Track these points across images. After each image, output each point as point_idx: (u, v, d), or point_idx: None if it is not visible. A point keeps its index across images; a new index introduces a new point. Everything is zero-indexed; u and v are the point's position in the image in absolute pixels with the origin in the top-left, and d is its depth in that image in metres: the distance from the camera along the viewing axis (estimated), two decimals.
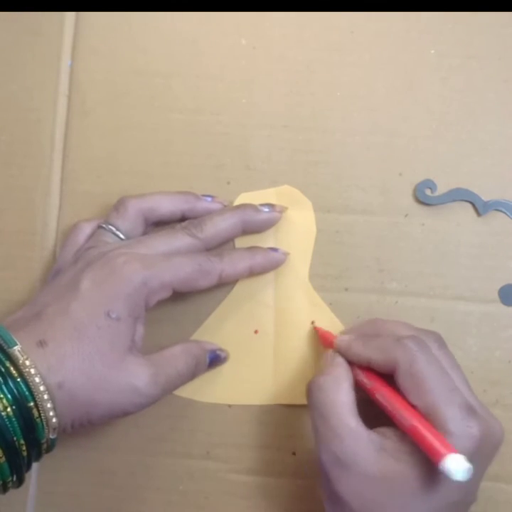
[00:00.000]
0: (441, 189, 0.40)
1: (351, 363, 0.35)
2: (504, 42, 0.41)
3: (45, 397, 0.30)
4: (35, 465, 0.39)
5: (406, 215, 0.40)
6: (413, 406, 0.32)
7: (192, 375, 0.37)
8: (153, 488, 0.40)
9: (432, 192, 0.40)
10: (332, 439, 0.32)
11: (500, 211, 0.40)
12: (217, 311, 0.40)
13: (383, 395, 0.33)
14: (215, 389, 0.40)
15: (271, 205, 0.39)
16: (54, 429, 0.31)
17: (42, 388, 0.30)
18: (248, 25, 0.42)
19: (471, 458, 0.29)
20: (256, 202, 0.39)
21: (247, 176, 0.41)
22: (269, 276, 0.40)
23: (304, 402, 0.35)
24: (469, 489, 0.32)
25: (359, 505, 0.32)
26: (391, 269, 0.40)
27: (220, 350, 0.39)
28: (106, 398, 0.32)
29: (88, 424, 0.33)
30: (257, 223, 0.39)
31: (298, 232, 0.40)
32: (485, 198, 0.40)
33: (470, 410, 0.31)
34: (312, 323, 0.40)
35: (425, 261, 0.40)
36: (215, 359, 0.39)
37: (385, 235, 0.40)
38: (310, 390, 0.34)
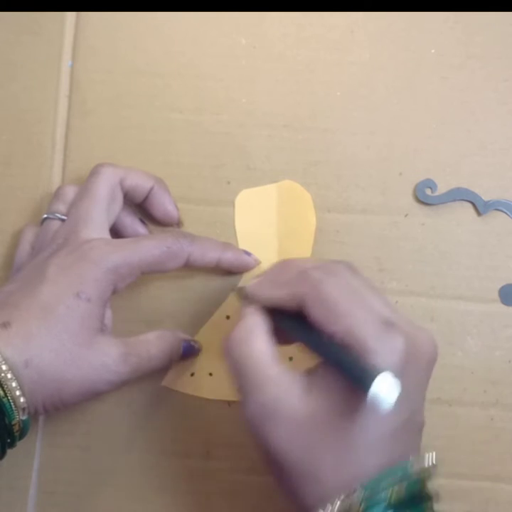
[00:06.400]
0: (442, 189, 0.40)
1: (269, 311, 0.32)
2: (504, 41, 0.41)
3: (9, 376, 0.30)
4: (35, 465, 0.39)
5: (406, 215, 0.40)
6: (331, 335, 0.29)
7: (165, 360, 0.37)
8: (153, 488, 0.40)
9: (432, 191, 0.40)
10: (252, 391, 0.29)
11: (501, 211, 0.40)
12: (222, 308, 0.40)
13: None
14: (222, 385, 0.40)
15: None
16: (23, 409, 0.31)
17: (4, 367, 0.30)
18: (248, 25, 0.42)
19: (401, 371, 0.27)
20: (257, 197, 0.40)
21: (247, 175, 0.41)
22: None
23: None
24: (412, 408, 0.29)
25: (294, 458, 0.28)
26: (391, 269, 0.40)
27: (194, 341, 0.39)
28: (77, 375, 0.32)
29: (61, 405, 0.33)
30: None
31: (299, 226, 0.40)
32: (485, 197, 0.40)
33: (388, 324, 0.29)
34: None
35: (425, 261, 0.40)
36: (189, 350, 0.38)
37: (385, 234, 0.40)
38: (224, 348, 0.31)
